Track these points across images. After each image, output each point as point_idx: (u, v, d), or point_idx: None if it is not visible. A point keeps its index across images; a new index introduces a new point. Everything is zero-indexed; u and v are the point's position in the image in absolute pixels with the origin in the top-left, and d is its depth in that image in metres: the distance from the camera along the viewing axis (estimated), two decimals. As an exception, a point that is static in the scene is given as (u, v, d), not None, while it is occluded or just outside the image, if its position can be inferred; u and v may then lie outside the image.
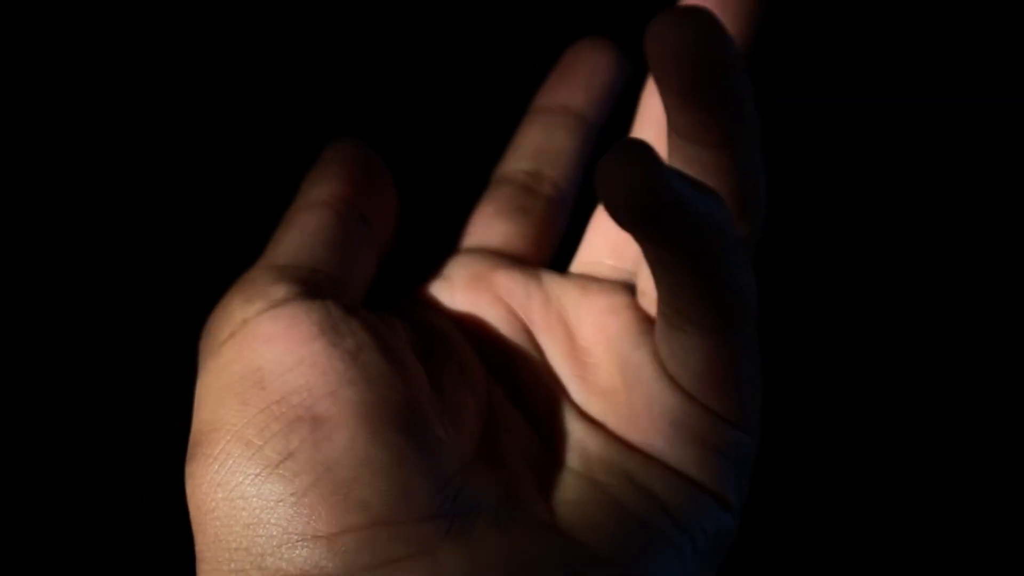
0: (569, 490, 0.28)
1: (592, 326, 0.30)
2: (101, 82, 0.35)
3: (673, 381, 0.28)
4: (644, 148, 0.22)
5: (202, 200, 0.37)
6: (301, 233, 0.30)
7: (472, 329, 0.30)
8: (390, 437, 0.25)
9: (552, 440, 0.29)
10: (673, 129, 0.26)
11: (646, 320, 0.29)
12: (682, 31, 0.23)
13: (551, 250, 0.33)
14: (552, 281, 0.31)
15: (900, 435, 0.41)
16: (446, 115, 0.38)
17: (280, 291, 0.28)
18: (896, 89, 0.40)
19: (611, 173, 0.22)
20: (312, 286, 0.28)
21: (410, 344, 0.28)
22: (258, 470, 0.25)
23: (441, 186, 0.35)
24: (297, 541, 0.25)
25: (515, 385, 0.30)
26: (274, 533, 0.25)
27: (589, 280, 0.30)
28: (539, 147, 0.33)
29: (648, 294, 0.29)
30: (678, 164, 0.27)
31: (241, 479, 0.25)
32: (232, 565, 0.25)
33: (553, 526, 0.26)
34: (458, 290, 0.31)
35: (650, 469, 0.28)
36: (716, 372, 0.27)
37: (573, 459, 0.28)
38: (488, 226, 0.32)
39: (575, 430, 0.29)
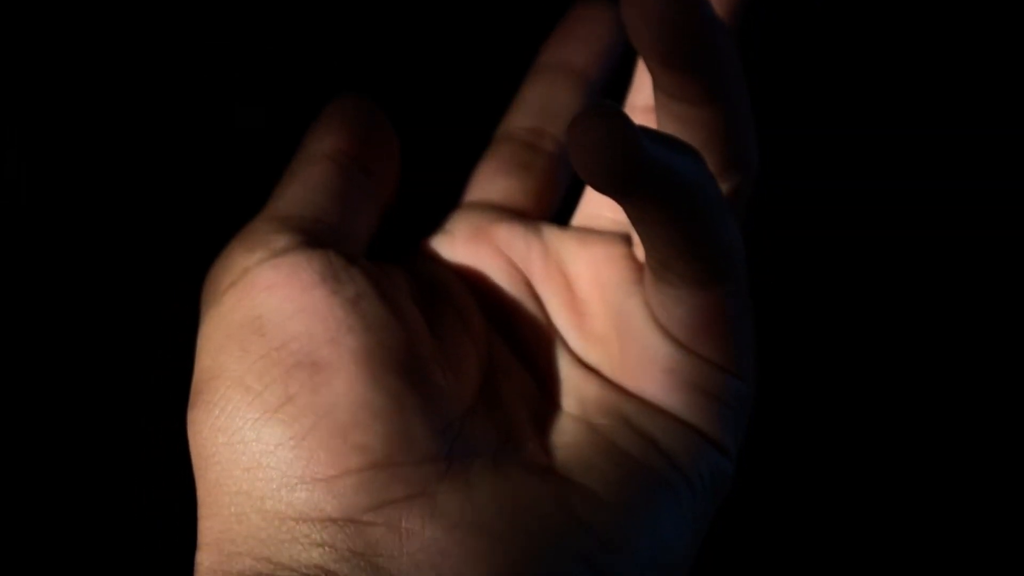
0: (566, 433, 0.28)
1: (588, 276, 0.30)
2: (101, 82, 0.35)
3: (664, 329, 0.28)
4: (612, 110, 0.22)
5: (202, 200, 0.37)
6: (303, 185, 0.30)
7: (473, 281, 0.31)
8: (389, 382, 0.26)
9: (549, 386, 0.29)
10: (657, 86, 0.26)
11: (639, 269, 0.29)
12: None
13: (553, 205, 0.33)
14: (552, 234, 0.31)
15: (897, 434, 0.41)
16: (447, 114, 0.38)
17: (281, 240, 0.28)
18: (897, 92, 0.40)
19: (580, 137, 0.22)
20: (313, 236, 0.28)
21: (410, 294, 0.29)
22: (258, 415, 0.25)
23: (443, 149, 0.36)
24: (296, 484, 0.25)
25: (515, 335, 0.30)
26: (273, 476, 0.25)
27: (587, 232, 0.31)
28: (541, 104, 0.34)
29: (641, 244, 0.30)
30: (664, 120, 0.27)
31: (241, 424, 0.25)
32: (232, 509, 0.25)
33: (551, 468, 0.27)
34: (459, 243, 0.31)
35: (646, 412, 0.28)
36: (704, 323, 0.27)
37: (570, 403, 0.29)
38: (490, 182, 0.33)
39: (572, 376, 0.29)
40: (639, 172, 0.23)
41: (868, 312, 0.40)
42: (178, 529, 0.27)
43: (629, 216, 0.26)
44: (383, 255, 0.30)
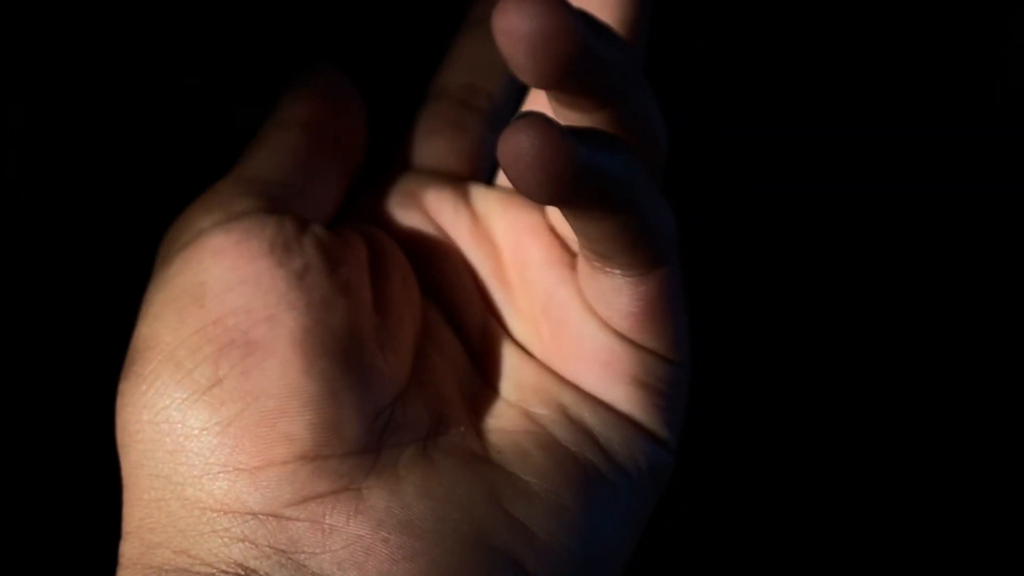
0: (501, 419, 0.27)
1: (513, 246, 0.29)
2: (101, 82, 0.35)
3: (602, 322, 0.27)
4: (543, 123, 0.22)
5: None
6: (272, 149, 0.29)
7: (405, 249, 0.30)
8: (323, 367, 0.25)
9: (485, 365, 0.29)
10: (549, 95, 0.25)
11: (562, 247, 0.29)
12: (521, 24, 0.22)
13: (487, 164, 0.32)
14: (479, 195, 0.30)
15: (882, 435, 0.41)
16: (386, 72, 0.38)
17: (241, 204, 0.27)
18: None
19: (514, 154, 0.22)
20: (275, 201, 0.28)
21: (367, 264, 0.28)
22: (185, 395, 0.25)
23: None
24: (218, 472, 0.24)
25: (447, 306, 0.29)
26: (196, 463, 0.24)
27: (511, 194, 0.30)
28: (473, 59, 0.33)
29: (559, 218, 0.29)
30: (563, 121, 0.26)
31: (168, 403, 0.25)
32: (153, 494, 0.25)
33: (483, 456, 0.26)
34: (390, 210, 0.30)
35: (583, 403, 0.27)
36: (646, 311, 0.27)
37: (507, 388, 0.28)
38: (423, 143, 0.32)
39: (508, 356, 0.28)
40: (579, 182, 0.22)
41: (847, 315, 0.40)
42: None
43: (565, 216, 0.25)
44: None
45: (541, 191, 0.22)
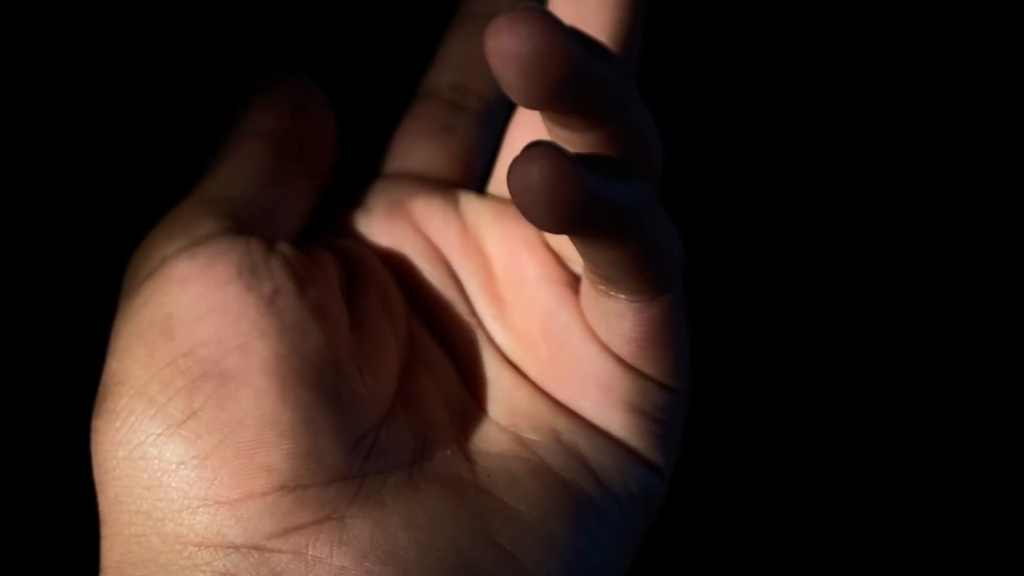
0: (492, 443, 0.27)
1: (506, 260, 0.29)
2: (102, 81, 0.35)
3: (603, 345, 0.27)
4: (553, 152, 0.21)
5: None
6: (233, 164, 0.28)
7: (391, 261, 0.29)
8: (300, 395, 0.25)
9: (475, 385, 0.28)
10: (544, 118, 0.25)
11: (560, 264, 0.28)
12: (514, 46, 0.21)
13: (479, 168, 0.31)
14: (470, 205, 0.29)
15: (898, 460, 0.41)
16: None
17: (205, 227, 0.27)
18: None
19: (523, 184, 0.21)
20: (240, 220, 0.27)
21: (338, 282, 0.27)
22: (160, 429, 0.24)
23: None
24: (198, 506, 0.24)
25: (435, 320, 0.29)
26: (174, 497, 0.24)
27: (503, 204, 0.29)
28: (464, 58, 0.32)
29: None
30: (554, 140, 0.25)
31: (143, 438, 0.24)
32: (132, 529, 0.24)
33: (471, 482, 0.26)
34: (376, 219, 0.30)
35: (577, 428, 0.27)
36: (649, 336, 0.26)
37: (498, 411, 0.27)
38: (411, 147, 0.31)
39: (500, 377, 0.28)
40: (589, 212, 0.22)
41: (855, 329, 0.40)
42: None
43: (574, 242, 0.25)
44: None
45: (552, 222, 0.22)
